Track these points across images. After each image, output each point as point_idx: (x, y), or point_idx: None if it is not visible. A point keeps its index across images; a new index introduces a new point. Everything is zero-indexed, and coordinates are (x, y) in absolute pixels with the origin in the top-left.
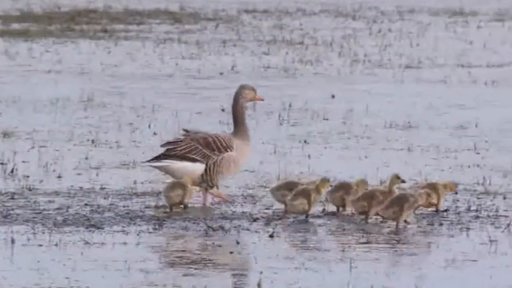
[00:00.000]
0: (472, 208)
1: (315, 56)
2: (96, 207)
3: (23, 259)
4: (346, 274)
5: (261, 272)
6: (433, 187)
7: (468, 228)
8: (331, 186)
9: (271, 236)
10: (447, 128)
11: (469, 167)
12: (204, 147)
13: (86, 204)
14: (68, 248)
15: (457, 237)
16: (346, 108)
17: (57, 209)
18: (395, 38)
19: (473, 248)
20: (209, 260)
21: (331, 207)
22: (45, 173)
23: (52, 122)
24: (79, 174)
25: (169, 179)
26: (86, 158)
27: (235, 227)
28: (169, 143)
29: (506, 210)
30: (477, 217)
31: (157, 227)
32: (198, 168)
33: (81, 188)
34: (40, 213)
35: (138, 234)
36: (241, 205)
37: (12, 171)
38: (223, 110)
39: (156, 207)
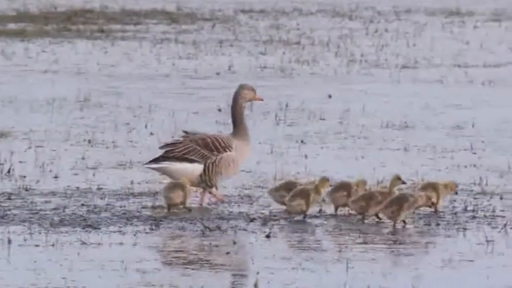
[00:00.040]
0: (468, 208)
1: (311, 56)
2: (92, 207)
3: (20, 259)
4: (343, 274)
5: (258, 272)
6: (433, 187)
7: (465, 229)
8: (330, 185)
9: (268, 236)
10: (444, 128)
11: (465, 167)
12: (203, 148)
13: (82, 205)
14: (64, 248)
15: (454, 238)
16: (343, 108)
17: (54, 209)
18: (392, 38)
19: (470, 248)
20: (206, 261)
21: (328, 208)
22: (41, 173)
23: (49, 122)
24: (76, 174)
25: (167, 180)
26: (83, 158)
27: (232, 227)
28: (167, 145)
29: (503, 211)
30: (474, 217)
31: (154, 227)
32: (197, 168)
33: (77, 188)
34: (37, 213)
35: (134, 235)
36: (238, 205)
37: (8, 172)
38: (220, 110)
39: (153, 207)
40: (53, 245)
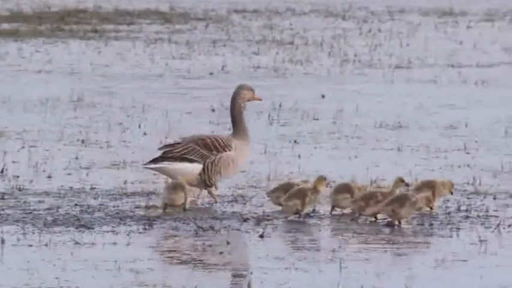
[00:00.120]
0: (462, 208)
1: (305, 56)
2: (86, 207)
3: (13, 259)
4: (336, 274)
5: (251, 272)
6: (431, 185)
7: (458, 228)
8: (327, 184)
9: (261, 236)
10: (437, 128)
11: (459, 167)
12: (202, 148)
13: (76, 205)
14: (58, 248)
15: (447, 238)
16: (336, 108)
17: (47, 209)
18: (386, 38)
19: (463, 248)
20: (199, 260)
21: (322, 208)
22: (35, 173)
23: (42, 122)
24: (69, 174)
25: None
26: (76, 158)
27: (225, 227)
28: (166, 145)
29: (496, 210)
30: (467, 217)
31: (147, 227)
32: (196, 168)
33: (71, 188)
34: (30, 213)
35: (128, 235)
36: (232, 205)
37: (2, 171)
38: (213, 110)
39: (147, 207)
40: (46, 245)
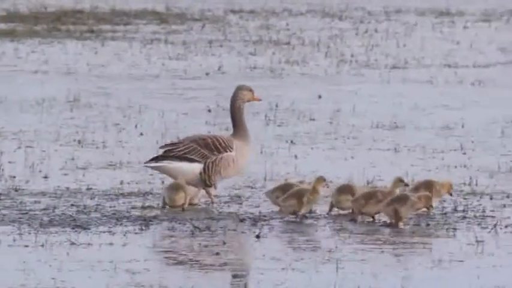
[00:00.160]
0: (458, 208)
1: (301, 56)
2: (82, 207)
3: (9, 260)
4: (332, 275)
5: (248, 273)
6: (429, 185)
7: (455, 229)
8: (326, 184)
9: (258, 236)
10: (433, 128)
11: (455, 167)
12: (203, 148)
13: (72, 205)
14: (54, 249)
15: (444, 238)
16: (333, 109)
17: (44, 209)
18: (382, 38)
19: (459, 249)
20: (196, 261)
21: (318, 208)
22: (31, 173)
23: (38, 122)
24: (65, 174)
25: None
26: (73, 159)
27: (221, 227)
28: (168, 144)
29: (493, 211)
30: (464, 217)
31: (143, 227)
32: (197, 167)
33: (67, 188)
34: (26, 213)
35: (124, 235)
36: (228, 205)
37: None
38: (209, 110)
39: (143, 207)
40: (42, 246)
